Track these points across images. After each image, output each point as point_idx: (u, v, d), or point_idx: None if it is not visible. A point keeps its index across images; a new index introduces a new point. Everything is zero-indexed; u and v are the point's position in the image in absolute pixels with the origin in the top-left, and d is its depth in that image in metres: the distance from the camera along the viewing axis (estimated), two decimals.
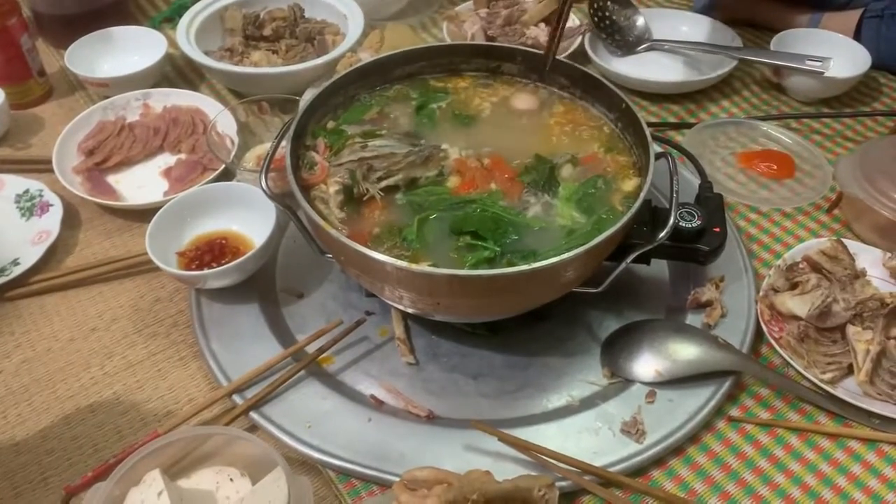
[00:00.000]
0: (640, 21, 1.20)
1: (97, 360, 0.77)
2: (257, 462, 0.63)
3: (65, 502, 0.65)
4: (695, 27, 1.20)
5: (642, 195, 0.69)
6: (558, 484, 0.64)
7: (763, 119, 1.05)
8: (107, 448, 0.69)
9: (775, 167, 1.00)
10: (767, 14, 1.23)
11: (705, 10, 1.23)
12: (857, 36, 1.15)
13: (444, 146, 0.79)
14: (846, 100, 1.12)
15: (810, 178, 0.98)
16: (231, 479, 0.64)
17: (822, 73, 1.04)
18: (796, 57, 1.06)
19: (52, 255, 0.86)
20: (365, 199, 0.73)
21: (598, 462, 0.67)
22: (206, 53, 1.08)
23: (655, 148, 0.73)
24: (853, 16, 1.15)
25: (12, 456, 0.69)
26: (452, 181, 0.76)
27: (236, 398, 0.72)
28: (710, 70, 1.12)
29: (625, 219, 0.67)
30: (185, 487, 0.63)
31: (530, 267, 0.63)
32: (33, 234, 0.87)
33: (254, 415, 0.71)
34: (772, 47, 1.11)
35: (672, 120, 1.08)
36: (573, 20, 1.20)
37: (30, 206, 0.91)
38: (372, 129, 0.81)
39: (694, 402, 0.72)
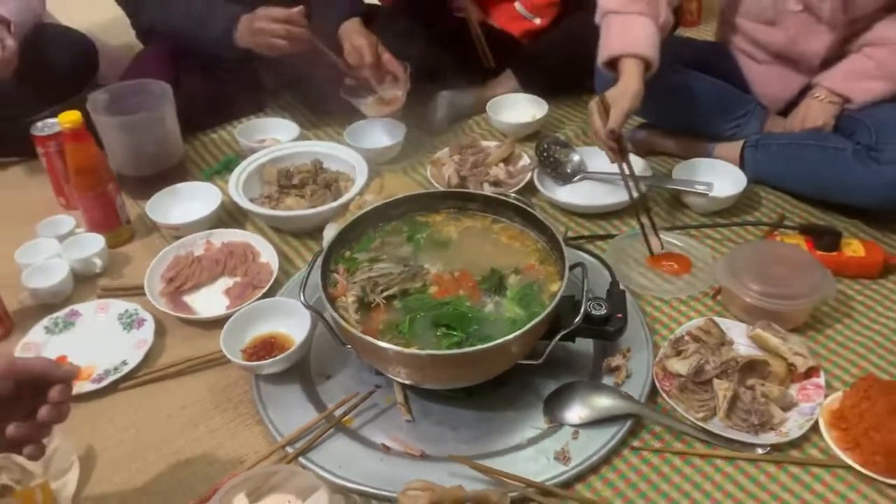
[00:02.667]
0: (576, 157, 1.56)
1: (188, 428, 1.09)
2: (307, 490, 0.94)
3: None
4: None
5: (559, 295, 1.02)
6: (510, 494, 0.95)
7: (668, 229, 1.41)
8: (201, 487, 1.00)
9: (676, 266, 1.34)
10: (675, 147, 1.61)
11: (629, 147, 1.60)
12: (742, 161, 1.52)
13: (426, 266, 1.13)
14: (735, 210, 1.47)
15: (702, 273, 1.32)
16: (289, 502, 0.95)
17: (707, 193, 1.40)
18: (687, 182, 1.42)
19: (149, 356, 1.19)
20: (372, 305, 1.07)
21: (538, 479, 0.97)
22: (251, 200, 1.45)
23: (574, 259, 1.08)
24: (737, 146, 1.52)
25: (137, 496, 1.00)
26: (433, 290, 1.10)
27: (288, 449, 1.03)
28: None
29: (546, 311, 1.00)
30: None
31: (486, 346, 0.96)
32: (135, 342, 1.21)
33: (301, 459, 1.02)
34: (674, 174, 1.48)
35: (601, 232, 1.43)
36: (525, 159, 1.58)
37: (129, 322, 1.25)
38: (376, 255, 1.15)
39: (605, 436, 1.03)
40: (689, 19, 2.16)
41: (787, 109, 1.53)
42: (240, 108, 1.79)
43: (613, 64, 1.35)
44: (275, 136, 1.68)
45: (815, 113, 1.43)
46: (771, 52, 1.51)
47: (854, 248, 1.29)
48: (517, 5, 1.79)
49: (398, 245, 1.18)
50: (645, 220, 1.34)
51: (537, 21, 1.82)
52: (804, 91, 1.50)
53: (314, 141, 1.64)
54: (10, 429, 0.80)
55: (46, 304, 1.29)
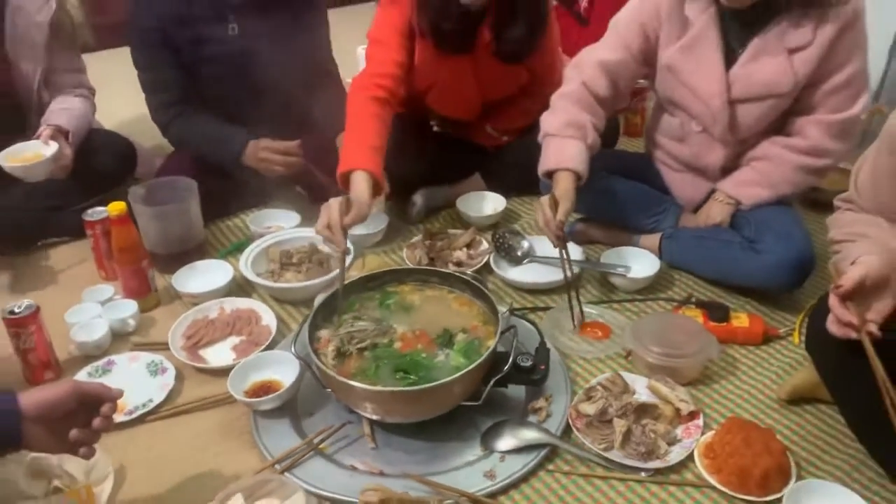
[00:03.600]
0: (526, 244, 1.89)
1: (198, 452, 1.37)
2: (290, 494, 1.22)
3: None
4: None
5: (491, 348, 1.33)
6: (446, 502, 1.23)
7: (595, 303, 1.72)
8: (208, 496, 1.27)
9: (599, 332, 1.64)
10: (606, 237, 1.94)
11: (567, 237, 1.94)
12: (660, 249, 1.85)
13: (394, 325, 1.44)
14: (653, 289, 1.78)
15: (619, 338, 1.62)
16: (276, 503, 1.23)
17: (625, 275, 1.73)
18: (611, 266, 1.75)
19: (170, 396, 1.49)
20: (347, 355, 1.38)
21: (470, 490, 1.25)
22: (258, 275, 1.77)
23: (509, 323, 1.39)
24: (656, 237, 1.86)
25: (158, 502, 1.28)
26: (397, 345, 1.41)
27: (276, 466, 1.31)
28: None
29: (481, 359, 1.30)
30: None
31: (433, 384, 1.27)
32: (159, 385, 1.51)
33: (287, 474, 1.30)
34: (602, 259, 1.81)
35: (541, 305, 1.75)
36: (484, 244, 1.91)
37: (155, 369, 1.55)
38: (357, 315, 1.46)
39: (526, 460, 1.31)
40: (634, 130, 2.54)
41: (698, 208, 1.87)
42: (250, 201, 2.14)
43: (551, 174, 1.69)
44: (280, 224, 2.03)
45: (715, 212, 1.77)
46: (682, 163, 1.86)
47: (741, 320, 1.60)
48: (488, 127, 2.15)
49: (373, 308, 1.50)
50: (573, 295, 1.65)
51: (504, 138, 2.17)
52: (711, 194, 1.84)
53: (311, 228, 1.98)
54: (73, 433, 1.09)
55: (89, 356, 1.60)
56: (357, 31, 2.72)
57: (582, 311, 1.65)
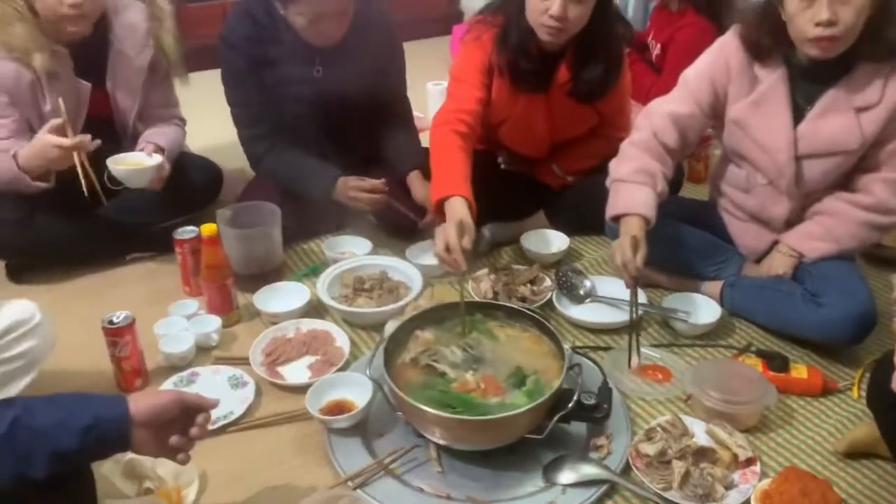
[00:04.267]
0: (588, 283, 1.96)
1: (275, 464, 1.46)
2: None
3: None
4: (621, 287, 1.92)
5: (558, 386, 1.40)
6: None
7: (657, 346, 1.77)
8: None
9: (660, 375, 1.69)
10: (669, 283, 1.98)
11: None
12: (721, 297, 1.89)
13: (477, 365, 1.50)
14: (713, 335, 1.82)
15: (679, 382, 1.67)
16: None
17: (686, 320, 1.77)
18: (670, 310, 1.80)
19: (249, 409, 1.58)
20: (416, 363, 1.46)
21: None
22: (332, 298, 1.87)
23: (574, 361, 1.46)
24: (718, 284, 1.90)
25: None
26: (454, 385, 1.46)
27: (349, 483, 1.39)
28: (628, 315, 1.85)
29: (547, 396, 1.37)
30: None
31: (502, 415, 1.34)
32: (240, 398, 1.60)
33: (359, 491, 1.38)
34: (664, 304, 1.86)
35: (602, 345, 1.80)
36: (547, 282, 1.98)
37: (236, 383, 1.65)
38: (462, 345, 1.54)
39: (586, 495, 1.36)
40: (697, 177, 2.59)
41: (760, 258, 1.91)
42: (326, 227, 2.25)
43: (619, 219, 1.76)
44: (352, 250, 2.13)
45: (778, 263, 1.81)
46: (747, 213, 1.91)
47: (799, 372, 1.64)
48: (555, 167, 2.23)
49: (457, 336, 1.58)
50: (634, 336, 1.70)
51: (569, 178, 2.24)
52: (774, 244, 1.88)
53: (383, 256, 2.08)
54: (173, 439, 1.18)
55: (175, 366, 1.71)
56: (427, 66, 2.86)
57: (639, 353, 1.70)
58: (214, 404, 1.23)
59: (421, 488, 1.40)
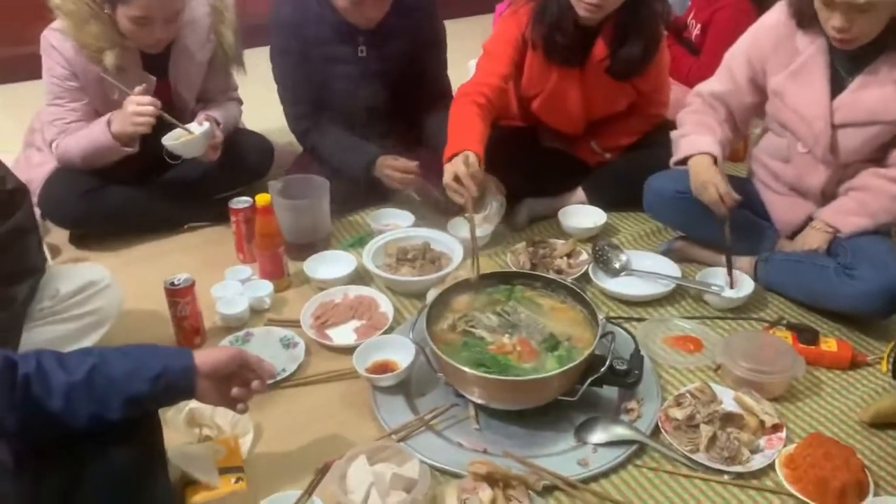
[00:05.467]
0: (624, 257, 2.01)
1: (324, 418, 1.56)
2: (405, 461, 1.39)
3: (322, 470, 1.41)
4: (656, 262, 2.00)
5: (590, 351, 1.47)
6: (542, 482, 1.37)
7: (688, 318, 1.83)
8: (332, 455, 1.46)
9: (691, 346, 1.75)
10: (705, 256, 2.03)
11: (665, 253, 2.05)
12: (755, 272, 1.93)
13: (513, 329, 1.58)
14: (745, 309, 1.87)
15: (709, 353, 1.72)
16: (394, 468, 1.40)
17: (719, 294, 1.82)
18: (704, 284, 1.85)
19: (300, 368, 1.69)
20: (453, 329, 1.55)
21: (565, 475, 1.40)
22: (377, 267, 1.97)
23: (607, 330, 1.53)
24: (752, 259, 1.95)
25: (288, 456, 1.48)
26: (491, 347, 1.54)
27: (393, 437, 1.49)
28: (662, 288, 1.91)
29: (580, 359, 1.45)
30: (374, 468, 1.39)
31: (537, 377, 1.43)
32: (290, 357, 1.71)
33: (402, 444, 1.47)
34: (698, 277, 1.91)
35: (635, 315, 1.86)
36: (583, 255, 2.04)
37: (287, 343, 1.76)
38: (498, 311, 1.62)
39: (617, 453, 1.44)
40: (736, 156, 2.61)
41: (794, 234, 1.94)
42: (371, 200, 2.34)
43: (685, 161, 1.85)
44: (396, 222, 2.22)
45: (813, 238, 1.85)
46: (784, 184, 1.93)
47: (829, 345, 1.68)
48: (592, 143, 2.29)
49: (498, 304, 1.65)
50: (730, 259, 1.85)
51: (607, 156, 2.29)
52: (809, 220, 1.91)
53: (425, 229, 2.16)
54: (235, 390, 1.28)
55: (230, 327, 1.82)
56: (469, 44, 2.91)
57: (731, 276, 1.86)
58: (271, 367, 1.35)
59: (460, 443, 1.49)
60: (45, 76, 2.05)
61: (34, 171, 2.15)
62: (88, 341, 1.59)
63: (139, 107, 1.92)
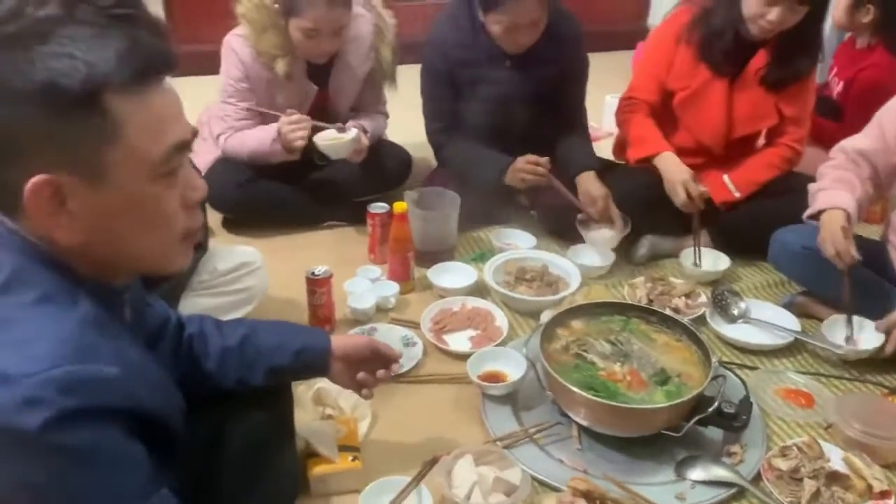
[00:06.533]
0: (743, 305, 2.01)
1: (435, 416, 1.67)
2: (507, 467, 1.48)
3: (431, 462, 1.52)
4: (776, 313, 1.99)
5: (700, 391, 1.50)
6: None
7: (801, 373, 1.82)
8: (440, 451, 1.56)
9: (802, 400, 1.74)
10: (824, 315, 2.00)
11: (786, 306, 2.03)
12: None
13: (625, 359, 1.64)
14: (864, 370, 1.84)
15: (821, 409, 1.71)
16: (497, 471, 1.48)
17: (838, 351, 1.80)
18: (823, 339, 1.84)
19: (417, 366, 1.81)
20: (566, 350, 1.62)
21: None
22: (496, 283, 2.07)
23: (718, 373, 1.56)
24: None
25: (400, 446, 1.59)
26: (601, 373, 1.61)
27: (499, 443, 1.58)
28: (779, 339, 1.90)
29: (689, 396, 1.48)
30: (479, 469, 1.48)
31: (643, 406, 1.48)
32: (410, 355, 1.82)
33: (506, 451, 1.56)
34: (822, 330, 1.89)
35: (749, 364, 1.87)
36: (702, 297, 2.06)
37: (407, 342, 1.88)
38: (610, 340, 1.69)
39: (715, 493, 1.47)
40: (873, 217, 2.53)
41: None
42: (495, 219, 2.45)
43: (818, 216, 1.83)
44: (517, 243, 2.31)
45: None
46: None
47: None
48: (725, 178, 2.27)
49: (612, 333, 1.72)
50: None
51: (737, 194, 2.26)
52: None
53: (545, 252, 2.24)
54: (361, 375, 1.40)
55: (358, 320, 1.97)
56: (608, 78, 2.98)
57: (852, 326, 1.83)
58: (399, 356, 1.46)
59: (561, 460, 1.55)
60: (222, 76, 2.29)
61: (197, 160, 2.39)
62: (237, 315, 1.77)
63: (292, 125, 2.14)
